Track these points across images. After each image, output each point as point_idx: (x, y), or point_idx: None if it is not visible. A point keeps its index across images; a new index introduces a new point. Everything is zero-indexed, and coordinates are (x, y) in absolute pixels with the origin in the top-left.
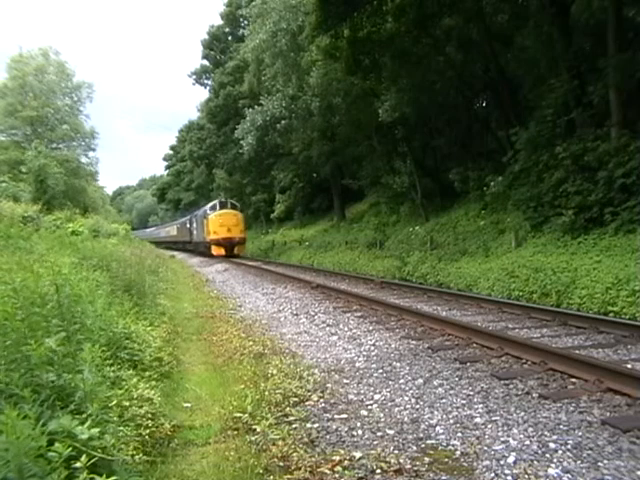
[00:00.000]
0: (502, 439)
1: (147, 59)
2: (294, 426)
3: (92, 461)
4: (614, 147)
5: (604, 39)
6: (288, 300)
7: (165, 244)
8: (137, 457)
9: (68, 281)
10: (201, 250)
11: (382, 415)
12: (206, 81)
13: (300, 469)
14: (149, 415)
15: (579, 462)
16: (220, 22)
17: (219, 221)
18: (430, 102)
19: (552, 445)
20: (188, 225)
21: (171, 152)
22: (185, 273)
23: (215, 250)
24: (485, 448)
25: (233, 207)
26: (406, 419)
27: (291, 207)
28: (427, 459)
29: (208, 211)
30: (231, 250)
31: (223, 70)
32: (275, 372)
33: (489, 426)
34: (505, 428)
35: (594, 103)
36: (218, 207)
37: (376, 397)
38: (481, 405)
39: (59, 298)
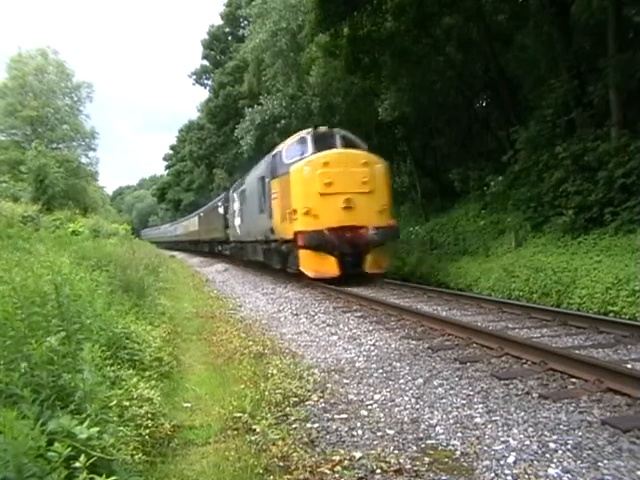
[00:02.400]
0: (502, 439)
1: (147, 59)
2: (294, 426)
3: (92, 461)
4: (614, 147)
5: (604, 39)
6: (288, 300)
7: (183, 245)
8: (137, 457)
9: (68, 281)
10: (256, 260)
11: (382, 415)
12: (206, 81)
13: (300, 469)
14: (149, 415)
15: (579, 462)
16: (220, 22)
17: (322, 180)
18: (430, 102)
19: (552, 445)
20: (222, 210)
21: (171, 152)
22: (185, 273)
23: (310, 264)
24: (485, 448)
25: (351, 145)
26: (406, 419)
27: None
28: (427, 459)
29: (285, 157)
30: (356, 263)
31: (223, 70)
32: (275, 372)
33: (489, 426)
34: (505, 428)
35: (594, 103)
36: (312, 146)
37: (376, 397)
38: (481, 405)
39: (59, 298)
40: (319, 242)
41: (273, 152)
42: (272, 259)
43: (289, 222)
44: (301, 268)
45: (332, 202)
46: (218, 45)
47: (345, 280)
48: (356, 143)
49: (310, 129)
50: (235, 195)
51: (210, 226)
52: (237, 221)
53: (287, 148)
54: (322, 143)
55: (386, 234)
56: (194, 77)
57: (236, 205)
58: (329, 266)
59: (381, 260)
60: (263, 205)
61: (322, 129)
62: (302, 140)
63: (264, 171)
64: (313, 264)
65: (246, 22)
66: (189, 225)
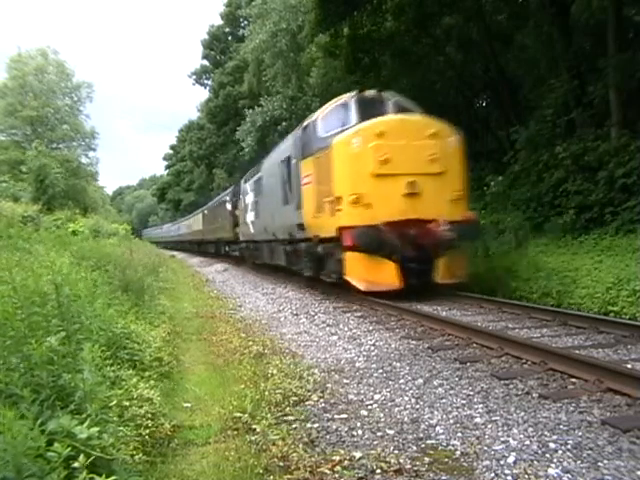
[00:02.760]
0: (502, 439)
1: (147, 59)
2: (294, 426)
3: (92, 461)
4: (614, 147)
5: (604, 39)
6: (288, 300)
7: (186, 245)
8: (137, 457)
9: (67, 281)
10: (276, 264)
11: (382, 415)
12: (206, 81)
13: (300, 469)
14: (149, 415)
15: (579, 462)
16: (220, 22)
17: (377, 156)
18: (430, 102)
19: (552, 445)
20: (230, 205)
21: (171, 152)
22: (185, 273)
23: (360, 272)
24: (485, 448)
25: (401, 109)
26: (406, 419)
27: None
28: (427, 459)
29: (322, 129)
30: (423, 271)
31: (223, 70)
32: (275, 372)
33: (489, 426)
34: (505, 428)
35: (594, 103)
36: (356, 114)
37: (376, 397)
38: (481, 405)
39: (59, 298)
40: (374, 242)
41: (304, 123)
42: (299, 263)
43: (329, 214)
44: (347, 277)
45: (390, 186)
46: (218, 45)
47: (406, 294)
48: (415, 112)
49: (353, 92)
50: (248, 186)
51: (216, 225)
52: (250, 217)
53: (324, 117)
54: (370, 111)
55: (463, 231)
56: (194, 77)
57: (249, 198)
58: (387, 275)
59: (456, 267)
60: (288, 194)
61: (370, 93)
62: (343, 107)
63: (290, 150)
64: (364, 272)
65: (246, 22)
66: (192, 224)
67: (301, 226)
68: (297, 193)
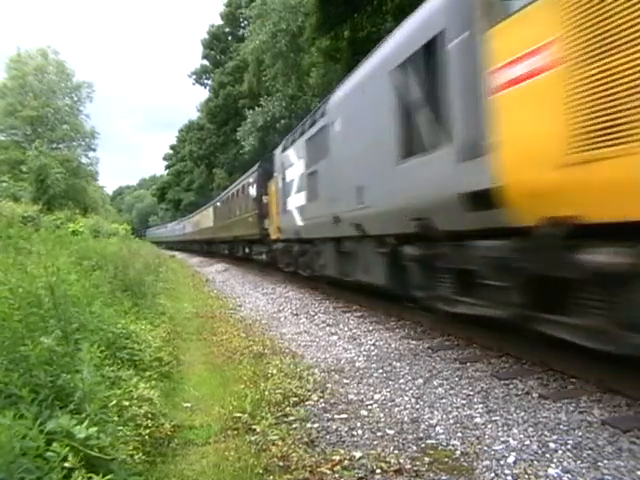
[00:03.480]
0: (502, 439)
1: (147, 59)
2: (294, 426)
3: (91, 460)
4: None
5: None
6: (288, 300)
7: (193, 245)
8: (136, 457)
9: (65, 281)
10: (358, 280)
11: (382, 415)
12: (206, 81)
13: (300, 469)
14: (149, 415)
15: (579, 462)
16: (220, 22)
17: None
18: None
19: (552, 445)
20: (254, 191)
21: (171, 152)
22: (185, 273)
23: None
24: (485, 448)
25: None
26: (406, 419)
27: None
28: (427, 459)
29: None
30: None
31: (223, 70)
32: (275, 372)
33: (489, 426)
34: (505, 428)
35: None
36: None
37: (376, 397)
38: (481, 405)
39: (55, 298)
40: None
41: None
42: (439, 287)
43: None
44: None
45: None
46: (218, 45)
47: None
48: None
49: None
50: (292, 153)
51: (232, 219)
52: (296, 201)
53: None
54: None
55: None
56: (194, 77)
57: (294, 171)
58: None
59: None
60: (421, 131)
61: None
62: None
63: (440, 22)
64: None
65: (246, 22)
66: (201, 220)
67: (481, 199)
68: (468, 118)
